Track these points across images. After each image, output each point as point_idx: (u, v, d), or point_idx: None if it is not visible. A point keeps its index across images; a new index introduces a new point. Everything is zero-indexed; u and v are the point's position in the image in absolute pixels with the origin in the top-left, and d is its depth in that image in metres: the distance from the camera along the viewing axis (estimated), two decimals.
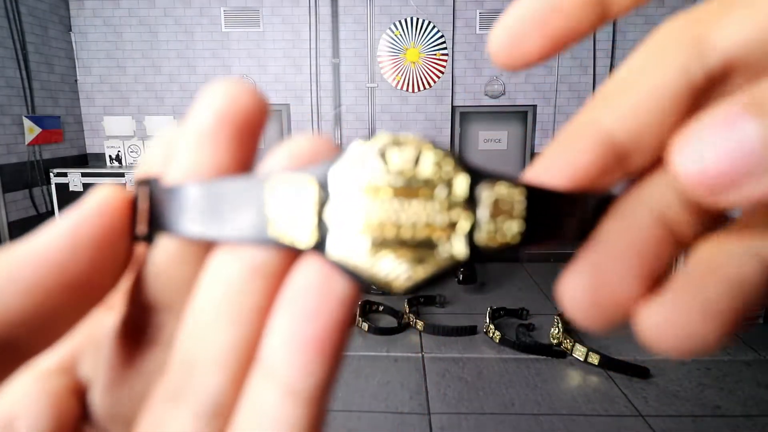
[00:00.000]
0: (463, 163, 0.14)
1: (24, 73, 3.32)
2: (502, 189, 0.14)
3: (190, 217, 0.15)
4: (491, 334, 2.60)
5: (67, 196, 3.57)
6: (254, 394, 0.14)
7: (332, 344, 0.14)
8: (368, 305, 2.97)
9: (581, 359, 2.35)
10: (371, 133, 4.03)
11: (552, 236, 0.15)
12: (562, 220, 0.15)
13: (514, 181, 0.14)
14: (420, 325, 2.74)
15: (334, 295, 0.14)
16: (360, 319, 2.78)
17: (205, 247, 0.15)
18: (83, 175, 3.53)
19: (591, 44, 3.75)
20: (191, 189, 0.15)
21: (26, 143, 3.34)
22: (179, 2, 3.83)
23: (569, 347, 2.41)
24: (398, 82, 3.89)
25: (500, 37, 0.16)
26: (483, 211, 0.14)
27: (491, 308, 2.77)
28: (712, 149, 0.12)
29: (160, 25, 3.86)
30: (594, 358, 2.32)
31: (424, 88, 3.91)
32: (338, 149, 0.15)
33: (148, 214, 0.16)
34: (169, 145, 0.17)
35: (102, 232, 0.15)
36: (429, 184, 0.14)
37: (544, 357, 2.45)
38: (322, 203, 0.14)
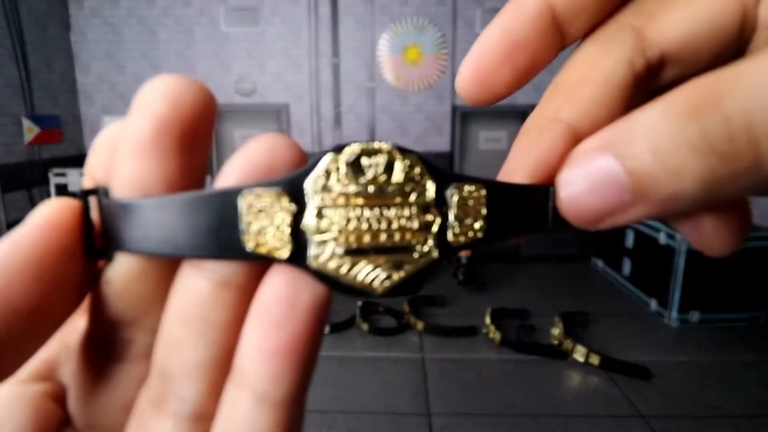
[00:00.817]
0: (430, 168, 0.15)
1: (23, 72, 3.31)
2: (466, 190, 0.15)
3: (151, 235, 0.14)
4: (492, 335, 2.60)
5: (66, 196, 3.56)
6: (230, 401, 0.15)
7: (302, 352, 0.14)
8: (368, 306, 2.97)
9: (582, 360, 2.34)
10: (371, 133, 4.03)
11: (514, 230, 0.15)
12: (524, 215, 0.15)
13: (477, 182, 0.15)
14: (420, 325, 2.73)
15: (302, 304, 0.14)
16: (360, 319, 2.78)
17: (170, 263, 0.15)
18: (82, 175, 3.52)
19: None
20: (146, 205, 0.14)
21: (25, 143, 3.33)
22: (179, 2, 3.82)
23: (570, 348, 2.41)
24: (398, 82, 3.89)
25: (467, 75, 0.16)
26: (450, 213, 0.15)
27: (492, 309, 2.76)
28: (579, 187, 0.14)
29: (159, 24, 3.85)
30: (595, 359, 2.32)
31: (424, 88, 3.90)
32: (300, 151, 0.15)
33: (101, 228, 0.15)
34: (112, 148, 0.16)
35: (45, 251, 0.14)
36: (400, 191, 0.14)
37: (545, 358, 2.44)
38: (297, 214, 0.14)
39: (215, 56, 3.88)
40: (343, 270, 0.14)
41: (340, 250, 0.14)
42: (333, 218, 0.14)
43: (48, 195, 3.53)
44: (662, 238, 2.87)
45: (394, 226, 0.14)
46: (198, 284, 0.14)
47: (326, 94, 3.93)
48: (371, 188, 0.14)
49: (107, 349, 0.16)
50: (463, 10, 3.78)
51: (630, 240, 3.27)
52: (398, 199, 0.14)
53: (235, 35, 3.86)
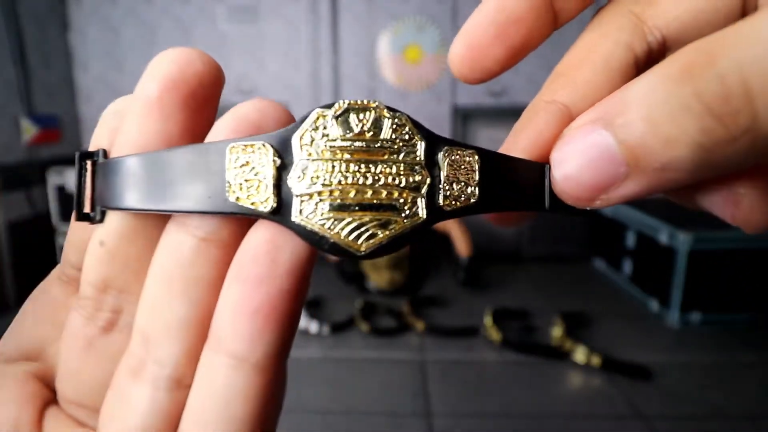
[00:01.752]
0: (421, 128, 0.14)
1: (21, 72, 3.30)
2: (458, 153, 0.14)
3: (137, 191, 0.14)
4: (492, 336, 2.59)
5: (65, 197, 3.55)
6: (207, 363, 0.14)
7: (281, 313, 0.13)
8: (368, 306, 2.96)
9: (583, 360, 2.34)
10: None
11: (509, 202, 0.15)
12: (517, 186, 0.15)
13: (469, 147, 0.14)
14: (420, 326, 2.73)
15: (284, 262, 0.13)
16: (360, 320, 2.77)
17: (159, 222, 0.15)
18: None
19: None
20: (135, 160, 0.14)
21: (23, 143, 3.32)
22: (178, 1, 3.81)
23: (571, 349, 2.40)
24: (398, 81, 3.88)
25: (459, 52, 0.16)
26: (441, 174, 0.14)
27: (492, 309, 2.76)
28: (572, 163, 0.14)
29: (158, 23, 3.84)
30: (596, 360, 2.31)
31: (424, 88, 3.89)
32: (289, 114, 0.15)
33: (92, 191, 0.15)
34: (117, 117, 0.16)
35: None
36: (389, 148, 0.14)
37: (546, 358, 2.44)
38: (283, 169, 0.14)
39: (214, 54, 3.86)
40: (327, 226, 0.13)
41: (324, 206, 0.13)
42: (318, 173, 0.14)
43: (47, 195, 3.52)
44: (663, 239, 2.86)
45: (381, 182, 0.14)
46: (181, 240, 0.14)
47: (326, 94, 3.92)
48: (358, 143, 0.14)
49: (96, 319, 0.16)
50: (463, 10, 3.78)
51: (631, 240, 3.27)
52: (386, 156, 0.14)
53: (234, 34, 3.85)
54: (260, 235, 0.14)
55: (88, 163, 0.16)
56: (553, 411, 2.06)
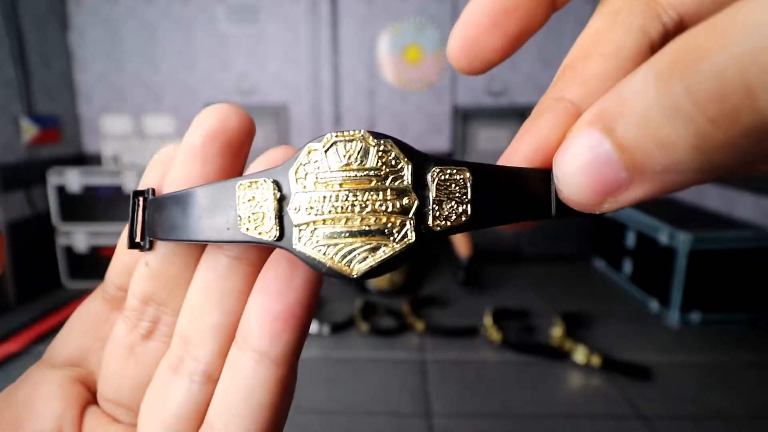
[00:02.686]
0: (408, 151, 0.15)
1: (21, 72, 3.30)
2: (447, 173, 0.15)
3: (175, 224, 0.16)
4: (492, 336, 2.59)
5: (65, 197, 3.55)
6: (234, 359, 0.17)
7: (297, 318, 0.16)
8: (368, 306, 2.96)
9: (583, 361, 2.34)
10: None
11: (508, 215, 0.15)
12: (518, 196, 0.15)
13: (460, 164, 0.15)
14: (420, 326, 2.73)
15: (298, 279, 0.16)
16: (360, 320, 2.77)
17: (194, 249, 0.18)
18: (81, 174, 3.51)
19: None
20: (174, 199, 0.17)
21: (23, 143, 3.32)
22: (178, 0, 3.81)
23: (571, 349, 2.40)
24: (398, 81, 3.88)
25: (457, 44, 0.17)
26: (430, 196, 0.15)
27: (492, 309, 2.76)
28: (573, 168, 0.13)
29: (158, 23, 3.84)
30: (596, 360, 2.31)
31: (424, 88, 3.89)
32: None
33: (142, 223, 0.18)
34: (164, 163, 0.19)
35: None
36: (375, 175, 0.15)
37: (546, 358, 2.44)
38: (283, 200, 0.15)
39: (214, 55, 3.87)
40: (322, 252, 0.15)
41: (319, 234, 0.15)
42: (312, 204, 0.15)
43: (47, 195, 3.52)
44: (663, 239, 2.86)
45: (368, 209, 0.15)
46: (218, 259, 0.17)
47: (326, 94, 3.92)
48: (347, 173, 0.15)
49: (138, 328, 0.19)
50: (463, 10, 3.77)
51: (631, 240, 3.27)
52: (374, 183, 0.15)
53: (234, 34, 3.85)
54: (280, 258, 0.17)
55: (140, 199, 0.18)
56: (553, 411, 2.06)
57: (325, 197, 0.15)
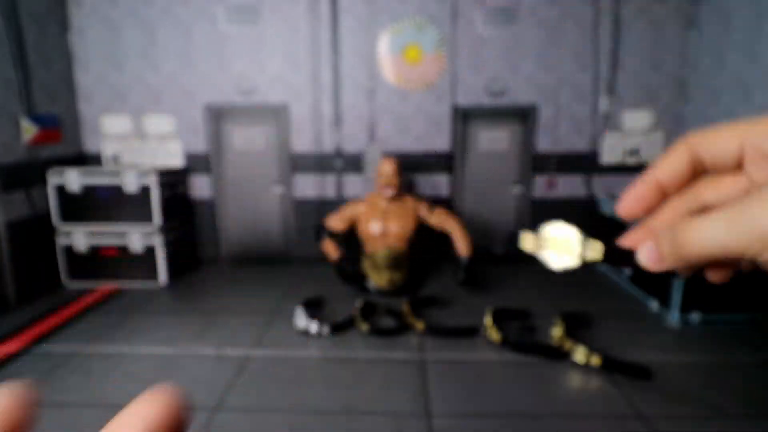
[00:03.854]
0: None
1: (21, 72, 3.30)
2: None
3: None
4: (492, 336, 2.59)
5: (65, 197, 3.55)
6: None
7: None
8: (368, 306, 2.96)
9: (583, 361, 2.34)
10: (371, 133, 4.00)
11: (612, 260, 0.29)
12: (623, 256, 0.28)
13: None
14: (420, 326, 2.73)
15: None
16: (360, 320, 2.77)
17: None
18: (81, 174, 3.51)
19: (593, 44, 3.73)
20: None
21: (24, 143, 3.32)
22: (177, 1, 3.81)
23: (571, 349, 2.40)
24: (398, 81, 3.88)
25: (629, 204, 0.29)
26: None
27: (492, 309, 2.76)
28: (643, 254, 0.26)
29: (158, 24, 3.84)
30: (596, 360, 2.31)
31: (424, 88, 3.89)
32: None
33: None
34: None
35: None
36: None
37: (546, 358, 2.43)
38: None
39: (214, 55, 3.87)
40: None
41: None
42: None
43: (47, 195, 3.52)
44: None
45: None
46: None
47: (326, 94, 3.92)
48: None
49: None
50: (463, 10, 3.77)
51: None
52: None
53: (234, 34, 3.85)
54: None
55: None
56: (553, 411, 2.05)
57: None
